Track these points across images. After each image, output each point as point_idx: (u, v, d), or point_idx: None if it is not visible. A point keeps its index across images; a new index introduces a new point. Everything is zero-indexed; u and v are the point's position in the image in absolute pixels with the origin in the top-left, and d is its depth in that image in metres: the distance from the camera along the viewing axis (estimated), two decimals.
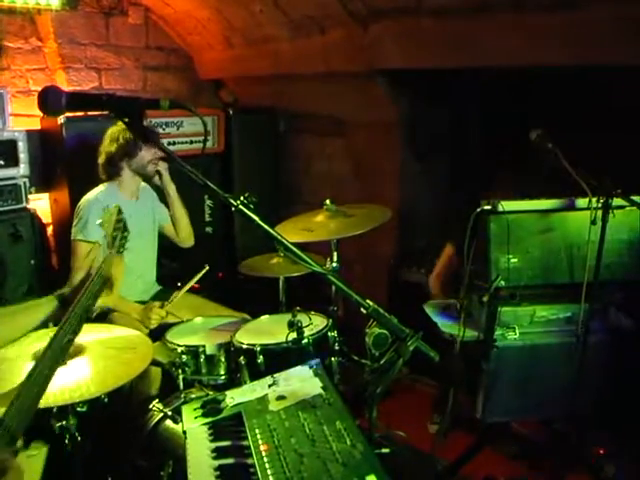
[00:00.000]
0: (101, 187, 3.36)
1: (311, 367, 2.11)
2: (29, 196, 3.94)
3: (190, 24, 4.76)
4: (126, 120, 1.42)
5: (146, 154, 3.30)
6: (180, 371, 2.72)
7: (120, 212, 2.18)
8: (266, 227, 1.45)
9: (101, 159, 3.35)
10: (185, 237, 3.61)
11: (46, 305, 1.91)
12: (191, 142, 4.52)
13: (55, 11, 4.44)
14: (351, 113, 4.03)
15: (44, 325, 1.94)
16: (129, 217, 3.24)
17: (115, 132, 3.31)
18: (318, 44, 3.66)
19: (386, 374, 1.59)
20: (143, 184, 3.52)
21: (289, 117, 3.71)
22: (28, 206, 3.92)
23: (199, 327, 3.07)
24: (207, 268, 3.07)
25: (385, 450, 1.76)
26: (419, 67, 3.46)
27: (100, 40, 4.77)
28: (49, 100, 1.46)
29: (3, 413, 1.55)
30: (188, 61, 5.15)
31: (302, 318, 2.59)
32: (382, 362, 1.61)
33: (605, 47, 2.53)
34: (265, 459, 1.66)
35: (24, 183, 3.87)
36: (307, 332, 2.60)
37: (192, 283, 3.07)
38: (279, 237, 1.45)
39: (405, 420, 3.05)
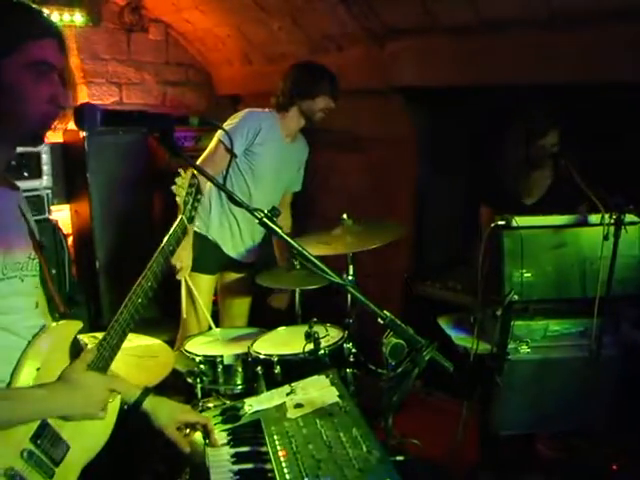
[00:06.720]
0: (268, 112, 3.44)
1: (328, 376, 2.15)
2: (51, 207, 4.01)
3: (210, 41, 4.85)
4: (157, 135, 1.48)
5: (320, 102, 3.35)
6: (198, 380, 2.75)
7: (194, 177, 2.01)
8: (288, 239, 1.50)
9: (279, 89, 3.42)
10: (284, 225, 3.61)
11: None
12: None
13: (79, 27, 4.54)
14: (368, 129, 4.09)
15: None
16: (273, 155, 3.39)
17: (294, 72, 3.41)
18: (336, 61, 3.73)
19: (402, 383, 1.64)
20: (302, 138, 3.61)
21: (306, 132, 3.80)
22: (50, 217, 4.00)
23: (217, 337, 3.12)
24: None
25: (400, 457, 1.80)
26: (434, 84, 3.52)
27: (121, 55, 4.88)
28: (85, 117, 1.49)
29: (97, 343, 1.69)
30: (207, 77, 5.23)
31: (319, 330, 2.63)
32: (398, 371, 1.65)
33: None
34: (283, 464, 1.69)
35: (47, 195, 3.95)
36: (324, 343, 2.64)
37: None
38: (301, 249, 1.49)
39: (418, 433, 3.06)
